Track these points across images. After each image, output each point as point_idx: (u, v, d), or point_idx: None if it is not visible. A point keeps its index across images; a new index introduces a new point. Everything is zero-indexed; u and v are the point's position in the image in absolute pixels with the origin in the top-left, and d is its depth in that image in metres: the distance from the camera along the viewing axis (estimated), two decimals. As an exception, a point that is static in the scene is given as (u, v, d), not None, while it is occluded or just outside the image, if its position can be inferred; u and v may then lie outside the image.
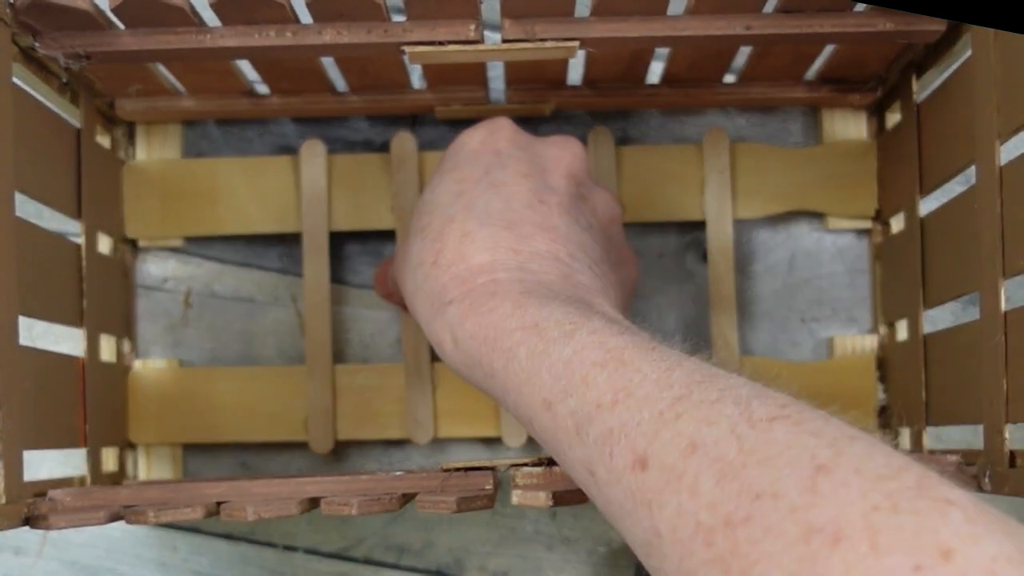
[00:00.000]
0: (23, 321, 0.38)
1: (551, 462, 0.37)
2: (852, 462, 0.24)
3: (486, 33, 0.41)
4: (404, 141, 0.51)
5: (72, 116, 0.45)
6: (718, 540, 0.24)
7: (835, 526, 0.22)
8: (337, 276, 0.52)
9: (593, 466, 0.30)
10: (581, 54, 0.47)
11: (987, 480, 0.37)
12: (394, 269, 0.43)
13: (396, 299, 0.46)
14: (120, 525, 0.51)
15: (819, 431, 0.25)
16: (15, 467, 0.36)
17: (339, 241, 0.52)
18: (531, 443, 0.51)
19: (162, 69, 0.47)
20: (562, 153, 0.41)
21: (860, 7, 0.41)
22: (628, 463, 0.28)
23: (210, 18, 0.40)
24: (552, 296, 0.35)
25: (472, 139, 0.42)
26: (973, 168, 0.39)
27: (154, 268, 0.52)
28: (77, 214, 0.45)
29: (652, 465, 0.27)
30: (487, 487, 0.37)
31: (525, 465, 0.37)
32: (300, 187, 0.51)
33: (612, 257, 0.42)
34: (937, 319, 0.47)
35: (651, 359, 0.30)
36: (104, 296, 0.48)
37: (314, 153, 0.51)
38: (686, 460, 0.26)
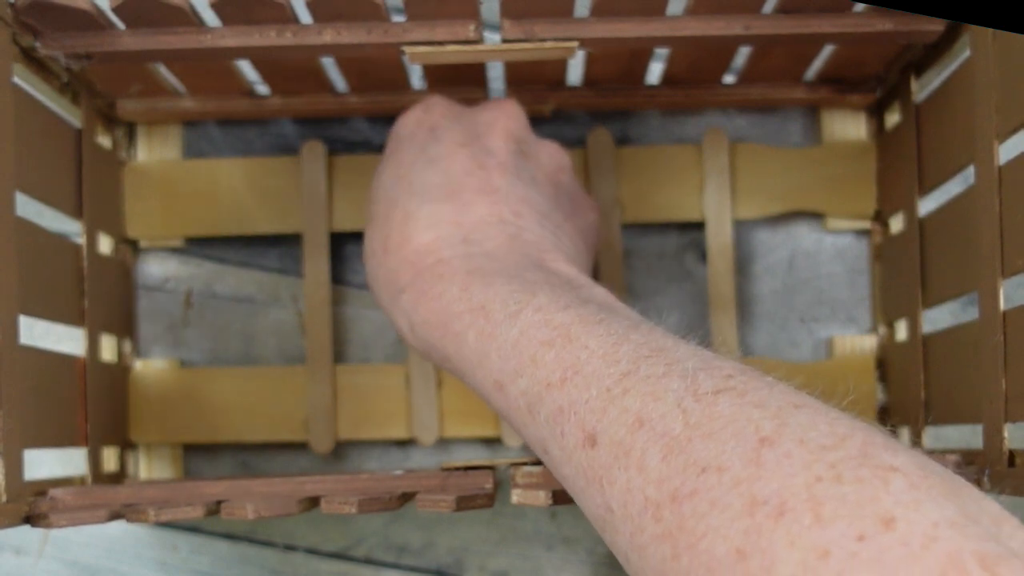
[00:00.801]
0: (24, 321, 0.38)
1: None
2: (796, 433, 0.24)
3: (486, 33, 0.41)
4: None
5: (73, 116, 0.45)
6: (666, 515, 0.24)
7: (779, 498, 0.22)
8: (337, 276, 0.52)
9: (547, 445, 0.30)
10: (581, 54, 0.47)
11: (986, 480, 0.37)
12: None
13: None
14: (120, 524, 0.51)
15: (763, 402, 0.25)
16: (16, 466, 0.36)
17: (339, 241, 0.52)
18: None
19: (163, 69, 0.47)
20: (496, 115, 0.41)
21: (860, 7, 0.41)
22: (579, 441, 0.28)
23: (210, 18, 0.40)
24: (498, 271, 0.35)
25: (408, 121, 0.42)
26: (972, 168, 0.39)
27: (155, 268, 0.52)
28: (78, 214, 0.45)
29: (601, 442, 0.27)
30: (487, 486, 0.37)
31: (525, 464, 0.37)
32: (300, 187, 0.51)
33: (564, 207, 0.42)
34: (936, 319, 0.47)
35: (598, 334, 0.30)
36: (105, 296, 0.48)
37: (314, 153, 0.51)
38: (633, 436, 0.26)
